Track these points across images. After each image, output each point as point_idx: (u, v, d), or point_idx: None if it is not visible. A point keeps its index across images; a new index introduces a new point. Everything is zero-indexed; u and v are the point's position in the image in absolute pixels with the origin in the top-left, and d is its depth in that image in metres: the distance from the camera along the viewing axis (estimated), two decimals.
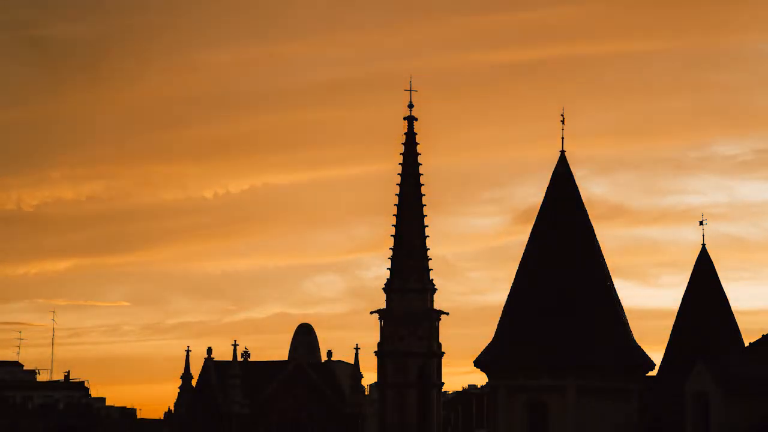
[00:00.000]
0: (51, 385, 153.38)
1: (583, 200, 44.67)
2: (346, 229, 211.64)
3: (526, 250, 44.32)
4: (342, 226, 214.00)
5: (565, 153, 45.09)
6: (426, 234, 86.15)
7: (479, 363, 43.95)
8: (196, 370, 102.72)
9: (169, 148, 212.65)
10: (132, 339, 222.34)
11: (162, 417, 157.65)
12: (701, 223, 50.81)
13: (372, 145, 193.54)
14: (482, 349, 44.12)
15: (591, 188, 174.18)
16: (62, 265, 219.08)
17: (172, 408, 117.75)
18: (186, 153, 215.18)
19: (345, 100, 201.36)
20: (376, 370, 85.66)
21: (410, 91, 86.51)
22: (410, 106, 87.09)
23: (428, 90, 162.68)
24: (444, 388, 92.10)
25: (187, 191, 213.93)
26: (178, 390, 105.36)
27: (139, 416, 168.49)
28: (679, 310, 50.94)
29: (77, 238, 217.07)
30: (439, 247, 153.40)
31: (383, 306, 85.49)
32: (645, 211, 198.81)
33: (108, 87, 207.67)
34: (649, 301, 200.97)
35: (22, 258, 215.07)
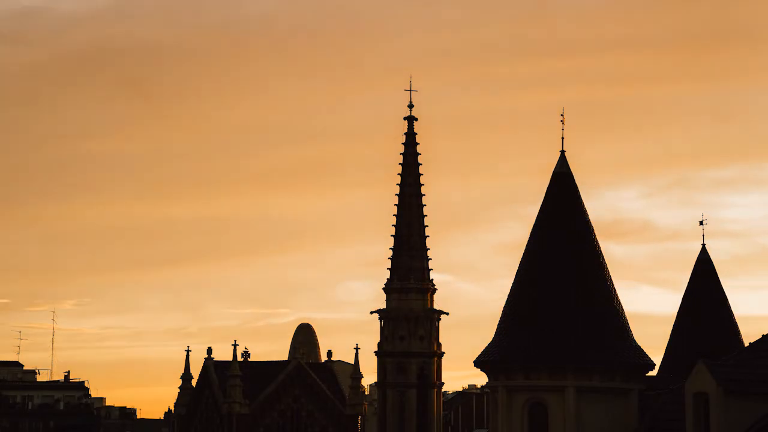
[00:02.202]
0: (51, 385, 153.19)
1: (584, 203, 44.66)
2: (373, 241, 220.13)
3: (526, 250, 44.31)
4: (368, 238, 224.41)
5: (565, 153, 45.07)
6: (426, 234, 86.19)
7: (479, 363, 43.93)
8: (197, 371, 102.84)
9: (206, 177, 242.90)
10: (146, 344, 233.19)
11: (162, 417, 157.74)
12: (701, 223, 50.84)
13: (378, 163, 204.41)
14: (482, 349, 44.11)
15: (634, 206, 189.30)
16: (105, 276, 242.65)
17: (172, 408, 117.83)
18: (217, 181, 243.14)
19: (346, 136, 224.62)
20: (376, 370, 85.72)
21: (410, 91, 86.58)
22: (410, 106, 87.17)
23: (429, 90, 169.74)
24: (444, 388, 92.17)
25: (221, 212, 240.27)
26: (178, 390, 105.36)
27: (139, 416, 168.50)
28: (679, 310, 50.92)
29: (117, 252, 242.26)
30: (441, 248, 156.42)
31: (383, 306, 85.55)
32: (680, 223, 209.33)
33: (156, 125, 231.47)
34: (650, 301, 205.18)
35: (78, 269, 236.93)
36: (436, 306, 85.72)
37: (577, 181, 44.74)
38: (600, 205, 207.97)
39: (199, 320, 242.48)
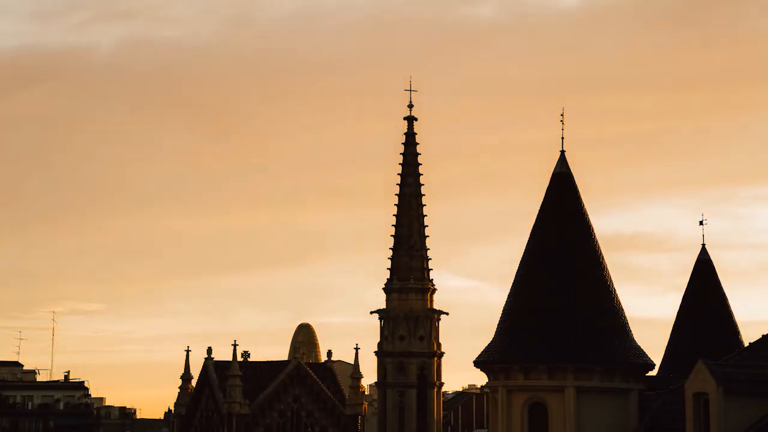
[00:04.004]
0: (51, 385, 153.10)
1: (583, 200, 44.68)
2: (376, 244, 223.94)
3: (525, 250, 44.31)
4: (372, 241, 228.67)
5: (565, 153, 45.09)
6: (426, 234, 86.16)
7: (479, 363, 43.93)
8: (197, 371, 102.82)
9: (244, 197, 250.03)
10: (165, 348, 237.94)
11: (162, 417, 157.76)
12: (701, 222, 50.85)
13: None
14: (482, 349, 44.12)
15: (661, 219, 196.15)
16: (136, 284, 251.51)
17: (172, 408, 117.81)
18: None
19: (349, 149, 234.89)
20: (376, 370, 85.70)
21: (410, 91, 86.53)
22: (410, 106, 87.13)
23: (429, 89, 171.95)
24: (444, 388, 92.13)
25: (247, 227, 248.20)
26: (178, 390, 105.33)
27: (139, 416, 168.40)
28: (679, 309, 50.92)
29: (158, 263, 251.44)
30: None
31: (383, 306, 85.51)
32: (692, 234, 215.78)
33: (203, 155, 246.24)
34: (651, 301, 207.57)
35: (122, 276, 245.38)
36: (437, 306, 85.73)
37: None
38: (628, 218, 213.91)
39: (205, 325, 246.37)
